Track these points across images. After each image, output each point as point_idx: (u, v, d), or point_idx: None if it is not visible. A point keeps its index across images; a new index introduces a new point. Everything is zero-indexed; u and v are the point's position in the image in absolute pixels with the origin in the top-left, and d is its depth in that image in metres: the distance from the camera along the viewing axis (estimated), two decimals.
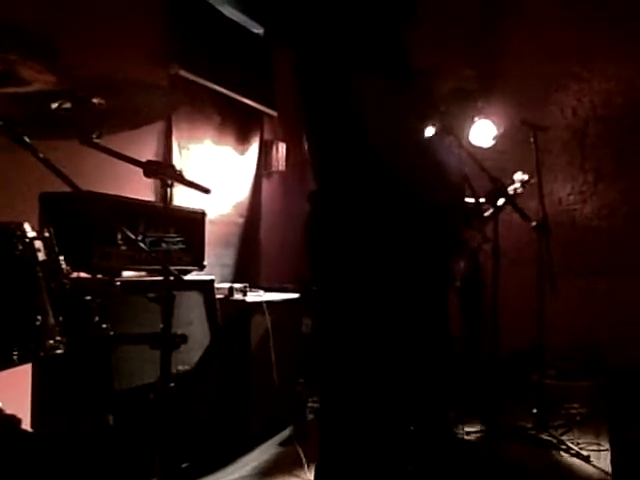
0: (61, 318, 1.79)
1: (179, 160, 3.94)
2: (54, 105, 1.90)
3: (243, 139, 4.78)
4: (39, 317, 1.73)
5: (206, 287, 3.10)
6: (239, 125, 4.71)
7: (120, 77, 1.93)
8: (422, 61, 1.85)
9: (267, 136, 5.03)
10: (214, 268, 3.82)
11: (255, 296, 3.46)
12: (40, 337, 1.73)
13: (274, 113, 4.99)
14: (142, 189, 3.19)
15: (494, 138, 3.95)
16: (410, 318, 1.76)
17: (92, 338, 2.06)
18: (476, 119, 3.87)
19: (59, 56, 1.86)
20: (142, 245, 2.43)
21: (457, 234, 3.49)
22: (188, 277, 2.99)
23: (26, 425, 2.18)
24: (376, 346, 1.69)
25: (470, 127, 3.85)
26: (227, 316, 3.18)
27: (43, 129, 2.06)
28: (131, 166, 2.04)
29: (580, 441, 3.37)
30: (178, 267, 2.77)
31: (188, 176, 2.15)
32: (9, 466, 1.79)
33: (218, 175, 4.41)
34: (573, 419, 3.76)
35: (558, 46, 5.02)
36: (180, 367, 2.70)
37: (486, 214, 3.39)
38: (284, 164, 5.05)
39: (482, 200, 3.41)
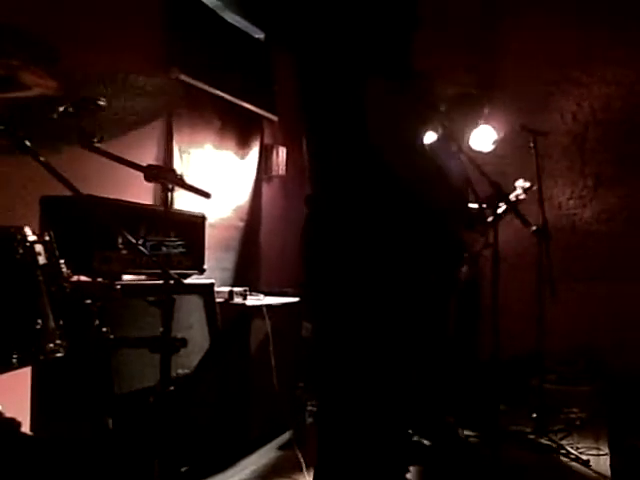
0: (61, 322, 1.79)
1: (180, 164, 3.94)
2: (60, 108, 1.91)
3: (243, 143, 4.79)
4: (39, 320, 1.73)
5: (206, 291, 3.10)
6: (239, 129, 4.72)
7: (120, 77, 1.93)
8: (422, 62, 1.85)
9: (267, 140, 5.04)
10: (214, 272, 3.82)
11: (255, 300, 3.47)
12: (40, 340, 1.73)
13: (274, 118, 5.01)
14: (143, 193, 3.20)
15: (494, 143, 3.96)
16: (410, 322, 1.76)
17: (92, 342, 2.06)
18: (480, 124, 3.88)
19: (60, 61, 1.86)
20: (142, 249, 2.43)
21: (458, 238, 3.51)
22: (188, 281, 2.99)
23: (26, 428, 2.19)
24: (375, 350, 1.69)
25: (473, 132, 3.87)
26: (227, 320, 3.18)
27: (44, 133, 2.07)
28: (132, 170, 2.05)
29: (580, 445, 3.37)
30: (178, 271, 2.77)
31: (189, 180, 2.16)
32: (9, 469, 1.79)
33: (218, 179, 4.42)
34: (573, 423, 3.76)
35: (558, 51, 5.03)
36: (180, 371, 2.70)
37: (489, 219, 3.40)
38: (284, 168, 5.06)
39: (483, 205, 3.43)
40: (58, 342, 1.76)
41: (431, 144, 3.58)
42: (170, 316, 2.02)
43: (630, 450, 3.34)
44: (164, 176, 2.06)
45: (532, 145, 3.74)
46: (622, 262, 4.84)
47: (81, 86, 1.93)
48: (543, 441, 3.44)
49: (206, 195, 2.14)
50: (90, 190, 2.35)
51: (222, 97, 4.34)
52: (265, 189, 5.05)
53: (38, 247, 1.79)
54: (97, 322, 2.04)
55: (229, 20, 4.37)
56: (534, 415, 3.57)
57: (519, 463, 3.15)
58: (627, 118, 4.97)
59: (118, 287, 2.23)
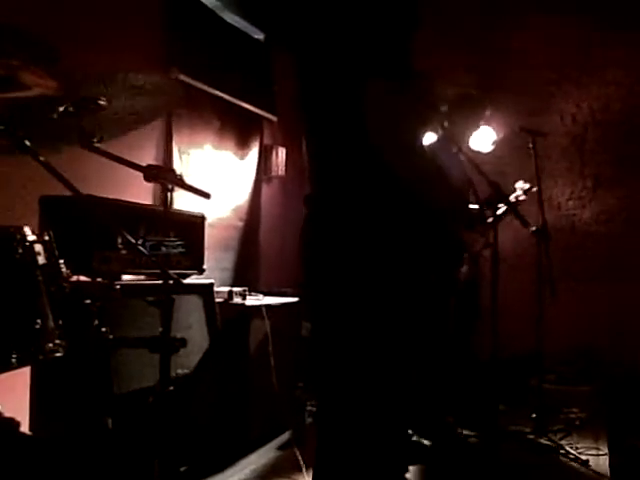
0: (61, 321, 1.79)
1: (179, 164, 3.95)
2: (60, 108, 1.91)
3: (243, 144, 4.79)
4: (39, 320, 1.73)
5: (205, 291, 3.10)
6: (239, 130, 4.72)
7: (119, 77, 1.94)
8: (422, 63, 1.85)
9: (267, 141, 5.05)
10: (214, 272, 3.82)
11: (254, 300, 3.47)
12: (39, 340, 1.73)
13: (274, 118, 5.01)
14: (142, 193, 3.20)
15: (493, 143, 3.96)
16: (409, 322, 1.77)
17: (91, 342, 2.06)
18: (482, 125, 3.89)
19: (60, 61, 1.86)
20: (142, 249, 2.43)
21: (458, 238, 3.51)
22: (188, 281, 2.99)
23: (25, 428, 2.19)
24: (374, 350, 1.69)
25: (475, 133, 3.87)
26: (226, 320, 3.18)
27: (44, 133, 2.07)
28: (132, 170, 2.05)
29: (579, 445, 3.37)
30: (178, 271, 2.77)
31: (188, 180, 2.16)
32: (8, 469, 1.79)
33: (218, 179, 4.42)
34: (572, 423, 3.76)
35: (557, 52, 5.03)
36: (179, 371, 2.71)
37: (489, 220, 3.41)
38: (284, 169, 5.07)
39: (484, 206, 3.44)
40: (57, 342, 1.76)
41: (431, 145, 3.59)
42: (169, 316, 2.03)
43: (629, 450, 3.34)
44: (163, 176, 2.07)
45: (531, 146, 3.74)
46: (621, 262, 4.85)
47: (81, 86, 1.93)
48: (543, 441, 3.44)
49: (205, 195, 2.14)
50: (90, 190, 2.35)
51: (221, 97, 4.34)
52: (264, 189, 5.05)
53: (37, 247, 1.79)
54: (96, 322, 2.04)
55: (228, 20, 4.38)
56: (533, 415, 3.57)
57: (518, 463, 3.15)
58: (626, 119, 4.98)
59: (117, 287, 2.23)
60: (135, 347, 2.34)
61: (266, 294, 3.69)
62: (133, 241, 2.24)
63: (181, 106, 3.91)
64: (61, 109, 1.93)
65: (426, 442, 3.35)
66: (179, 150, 3.98)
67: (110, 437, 2.18)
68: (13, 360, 1.67)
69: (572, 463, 3.19)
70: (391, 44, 1.74)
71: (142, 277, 2.76)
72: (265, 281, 4.68)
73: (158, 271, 2.12)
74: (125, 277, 2.66)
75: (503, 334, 3.12)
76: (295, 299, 3.74)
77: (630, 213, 5.00)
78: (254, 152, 4.92)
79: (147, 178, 2.03)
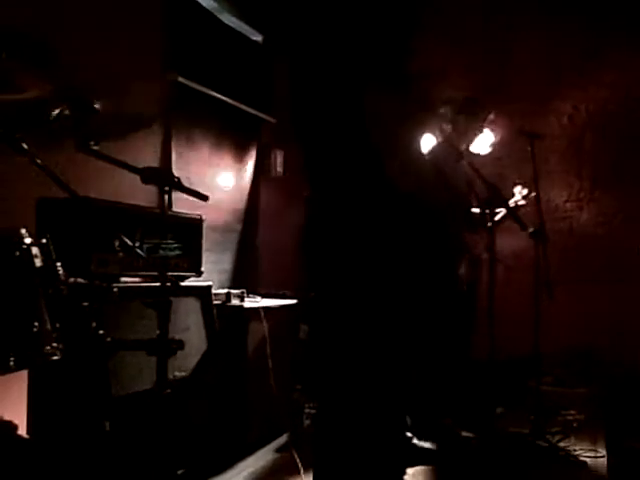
0: (58, 324, 1.79)
1: (177, 166, 3.94)
2: (55, 112, 1.91)
3: (241, 145, 4.80)
4: (36, 323, 1.73)
5: (203, 293, 3.10)
6: (237, 131, 4.73)
7: (116, 82, 1.94)
8: (421, 63, 1.86)
9: (265, 142, 5.05)
10: (211, 274, 3.82)
11: (252, 302, 3.46)
12: (37, 343, 1.73)
13: (272, 120, 5.01)
14: (143, 195, 3.19)
15: (491, 145, 3.97)
16: (408, 324, 1.77)
17: (89, 344, 2.06)
18: (485, 129, 3.91)
19: (57, 64, 1.86)
20: (139, 251, 2.43)
21: (458, 238, 3.53)
22: (186, 283, 2.99)
23: (22, 431, 2.18)
24: (373, 352, 1.69)
25: (477, 137, 3.89)
26: (224, 322, 3.18)
27: (41, 136, 2.07)
28: (130, 173, 2.05)
29: (577, 447, 3.37)
30: (175, 273, 2.77)
31: (186, 182, 2.16)
32: (5, 472, 1.79)
33: (216, 181, 4.42)
34: (570, 425, 3.76)
35: (555, 54, 5.03)
36: (177, 373, 2.71)
37: (490, 224, 3.43)
38: (282, 170, 5.07)
39: (481, 208, 3.45)
40: (55, 345, 1.76)
41: (433, 148, 3.61)
42: (167, 318, 2.03)
43: (627, 452, 3.34)
44: (161, 178, 2.07)
45: (529, 148, 3.74)
46: (619, 264, 4.85)
47: (78, 89, 1.93)
48: (540, 443, 3.44)
49: (203, 197, 2.14)
50: (88, 193, 2.35)
51: (220, 99, 4.34)
52: (263, 191, 5.05)
53: (34, 250, 1.79)
54: (94, 324, 2.04)
55: (226, 22, 4.37)
56: (531, 417, 3.57)
57: (516, 465, 3.15)
58: (624, 121, 4.98)
59: (115, 290, 2.23)
60: (133, 349, 2.34)
61: (264, 296, 3.68)
62: (131, 243, 2.24)
63: (179, 109, 3.92)
64: (58, 112, 1.92)
65: (426, 444, 3.34)
66: (177, 152, 3.98)
67: (108, 440, 2.18)
68: (11, 363, 1.67)
69: (570, 465, 3.18)
70: (389, 46, 1.74)
71: (140, 279, 2.75)
72: (263, 283, 4.67)
73: (156, 273, 2.12)
74: (123, 279, 2.66)
75: (501, 336, 3.12)
76: (293, 301, 3.74)
77: (627, 214, 5.00)
78: (252, 153, 4.92)
79: (144, 180, 2.03)
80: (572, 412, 3.97)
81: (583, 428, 3.72)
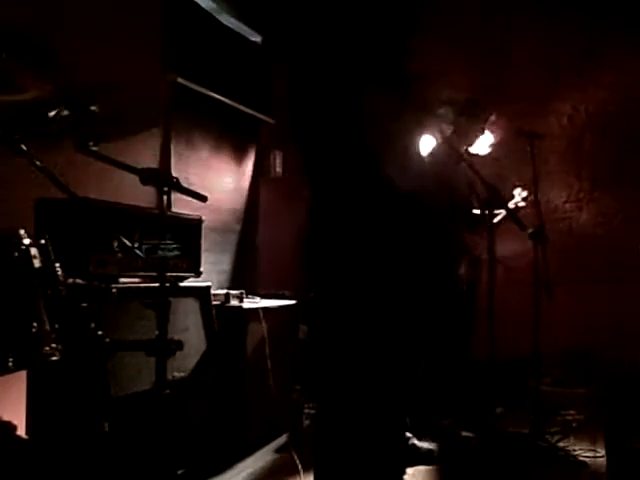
0: (57, 325, 1.79)
1: (177, 167, 3.94)
2: (54, 112, 1.91)
3: (240, 146, 4.80)
4: (35, 324, 1.73)
5: (202, 293, 3.10)
6: (236, 132, 4.73)
7: (115, 83, 1.94)
8: (420, 64, 1.86)
9: (264, 143, 5.05)
10: (211, 274, 3.82)
11: (251, 302, 3.46)
12: (36, 344, 1.73)
13: (271, 120, 5.01)
14: (143, 196, 3.19)
15: (491, 146, 3.97)
16: (408, 325, 1.77)
17: (88, 345, 2.06)
18: (487, 131, 3.91)
19: (57, 64, 1.87)
20: (138, 252, 2.44)
21: (458, 238, 3.53)
22: (185, 283, 2.99)
23: (21, 432, 2.18)
24: (373, 352, 1.69)
25: (480, 138, 3.90)
26: (223, 322, 3.18)
27: (40, 136, 2.07)
28: (130, 173, 2.05)
29: (576, 448, 3.37)
30: (174, 274, 2.78)
31: (185, 183, 2.16)
32: (4, 473, 1.79)
33: (215, 182, 4.42)
34: (569, 426, 3.76)
35: (555, 55, 5.04)
36: (176, 374, 2.71)
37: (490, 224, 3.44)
38: (281, 171, 5.07)
39: (481, 208, 3.46)
40: (54, 345, 1.76)
41: (433, 149, 3.62)
42: (166, 319, 2.03)
43: (627, 452, 3.34)
44: (160, 179, 2.07)
45: (528, 148, 3.75)
46: (618, 265, 4.85)
47: (77, 89, 1.93)
48: (540, 443, 3.43)
49: (202, 198, 2.14)
50: (88, 193, 2.35)
51: (219, 100, 4.34)
52: (262, 191, 5.05)
53: (33, 250, 1.79)
54: (93, 325, 2.03)
55: (225, 23, 4.37)
56: (531, 417, 3.57)
57: (516, 465, 3.15)
58: (623, 122, 4.98)
59: (114, 290, 2.23)
60: (132, 350, 2.34)
61: (263, 297, 3.68)
62: (129, 244, 2.24)
63: (178, 110, 3.92)
64: (57, 113, 1.92)
65: (426, 444, 3.34)
66: (177, 152, 3.98)
67: (107, 440, 2.18)
68: (10, 364, 1.67)
69: (569, 465, 3.18)
70: (387, 47, 1.74)
71: (139, 280, 2.75)
72: (262, 284, 4.67)
73: (155, 274, 2.12)
74: (122, 280, 2.66)
75: (501, 336, 3.11)
76: (292, 302, 3.74)
77: (627, 215, 5.00)
78: (251, 154, 4.92)
79: (143, 181, 2.03)
80: (572, 412, 3.98)
81: (582, 428, 3.72)
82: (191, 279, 3.04)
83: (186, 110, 4.08)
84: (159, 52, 3.80)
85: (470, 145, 3.83)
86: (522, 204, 3.80)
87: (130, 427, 2.41)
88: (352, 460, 1.70)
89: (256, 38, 4.61)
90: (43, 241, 1.85)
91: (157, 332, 2.02)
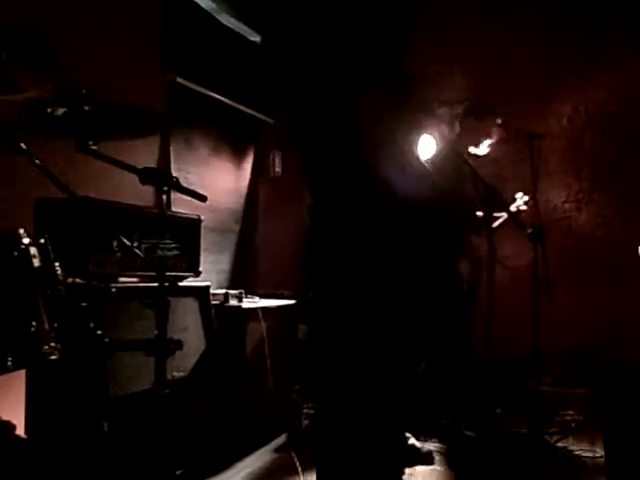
0: (56, 324, 1.79)
1: (176, 167, 3.95)
2: (54, 112, 1.91)
3: (240, 146, 4.80)
4: (34, 323, 1.73)
5: (202, 293, 3.10)
6: (236, 132, 4.73)
7: (115, 83, 1.94)
8: (419, 65, 1.86)
9: (264, 143, 5.06)
10: (210, 274, 3.82)
11: (251, 302, 3.46)
12: (35, 343, 1.73)
13: (271, 120, 5.01)
14: (142, 195, 3.20)
15: (490, 146, 3.97)
16: (409, 324, 1.77)
17: (87, 344, 2.06)
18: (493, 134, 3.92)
19: (57, 64, 1.87)
20: (138, 252, 2.44)
21: (459, 237, 3.54)
22: (184, 283, 2.99)
23: (20, 431, 2.18)
24: (372, 352, 1.69)
25: (485, 141, 3.91)
26: (223, 322, 3.18)
27: (40, 135, 2.07)
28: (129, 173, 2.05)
29: (575, 448, 3.37)
30: (174, 273, 2.78)
31: (185, 183, 2.16)
32: (3, 472, 1.79)
33: (215, 181, 4.42)
34: (569, 426, 3.76)
35: (555, 55, 5.04)
36: (175, 373, 2.71)
37: (494, 225, 3.46)
38: (281, 171, 5.07)
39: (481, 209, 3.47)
40: (53, 345, 1.76)
41: (437, 150, 3.62)
42: (165, 318, 2.03)
43: (626, 452, 3.34)
44: (159, 179, 2.07)
45: (528, 149, 3.75)
46: (618, 265, 4.85)
47: (78, 89, 1.93)
48: (539, 443, 3.44)
49: (201, 198, 2.14)
50: (87, 193, 2.35)
51: (218, 100, 4.34)
52: (261, 191, 5.06)
53: (33, 250, 1.79)
54: (92, 325, 2.04)
55: (225, 23, 4.38)
56: (531, 417, 3.57)
57: (515, 465, 3.15)
58: (623, 122, 4.98)
59: (113, 290, 2.23)
60: (131, 350, 2.34)
61: (262, 296, 3.68)
62: (129, 244, 2.24)
63: (178, 109, 3.92)
64: (56, 112, 1.93)
65: (424, 445, 3.35)
66: (176, 152, 3.98)
67: (106, 440, 2.18)
68: (9, 363, 1.67)
69: (568, 465, 3.19)
70: (385, 47, 1.74)
71: (138, 280, 2.75)
72: (262, 283, 4.67)
73: (154, 273, 2.12)
74: (121, 280, 2.66)
75: (500, 336, 3.12)
76: (291, 301, 3.74)
77: (627, 215, 5.00)
78: (251, 154, 4.93)
79: (143, 181, 2.03)
80: (571, 412, 3.98)
81: (582, 428, 3.72)
82: (190, 279, 3.04)
83: (186, 110, 4.08)
84: (159, 52, 3.80)
85: (476, 146, 3.84)
86: (524, 208, 3.82)
87: (129, 427, 2.41)
88: (351, 460, 1.70)
89: (256, 38, 4.64)
90: (42, 240, 1.85)
91: (156, 332, 2.02)
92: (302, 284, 1.90)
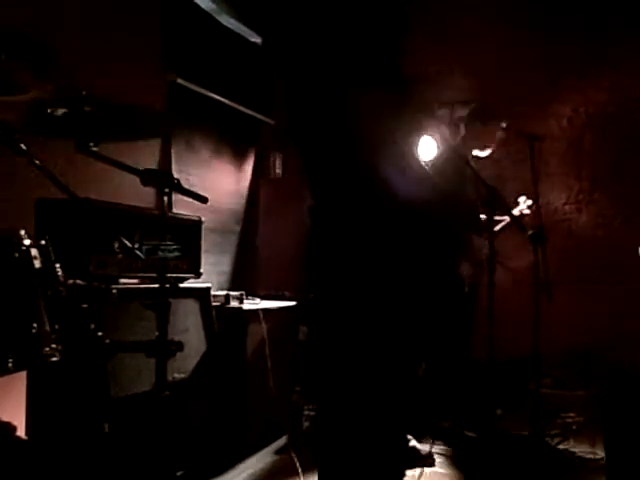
0: (57, 326, 1.79)
1: (177, 168, 3.94)
2: (54, 112, 1.91)
3: (240, 147, 4.80)
4: (35, 325, 1.72)
5: (202, 295, 3.09)
6: (237, 133, 4.73)
7: (115, 84, 1.94)
8: (419, 66, 1.85)
9: (264, 144, 5.06)
10: (211, 276, 3.82)
11: (251, 304, 3.46)
12: (36, 345, 1.73)
13: (271, 121, 5.01)
14: (143, 197, 3.19)
15: (492, 148, 3.97)
16: (409, 326, 1.76)
17: (88, 346, 2.05)
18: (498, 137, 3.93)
19: (57, 64, 1.87)
20: (138, 253, 2.43)
21: (460, 238, 3.54)
22: (184, 284, 2.99)
23: (21, 432, 2.18)
24: (373, 353, 1.69)
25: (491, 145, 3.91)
26: (223, 324, 3.18)
27: (41, 136, 2.06)
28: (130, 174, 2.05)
29: (576, 450, 3.37)
30: (175, 275, 2.77)
31: (186, 184, 2.16)
32: (4, 473, 1.79)
33: (216, 183, 4.42)
34: (569, 428, 3.76)
35: (554, 56, 5.04)
36: (176, 375, 2.71)
37: (497, 228, 3.46)
38: (281, 172, 5.07)
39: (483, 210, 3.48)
40: (54, 346, 1.76)
41: (440, 152, 3.63)
42: (166, 320, 2.02)
43: (626, 454, 3.33)
44: (160, 180, 2.06)
45: (529, 150, 3.75)
46: (618, 265, 4.84)
47: (78, 89, 1.93)
48: (540, 445, 3.43)
49: (202, 199, 2.14)
50: (89, 194, 2.35)
51: (219, 101, 4.34)
52: (262, 192, 5.05)
53: (34, 251, 1.79)
54: (93, 326, 2.03)
55: (225, 24, 4.38)
56: (531, 419, 3.56)
57: (516, 466, 3.14)
58: (623, 123, 4.98)
59: (114, 291, 2.23)
60: (132, 351, 2.34)
61: (263, 298, 3.68)
62: (130, 245, 2.24)
63: (178, 110, 3.92)
64: (57, 112, 1.92)
65: (426, 446, 3.34)
66: (176, 154, 3.98)
67: (107, 441, 2.17)
68: (9, 364, 1.66)
69: (569, 467, 3.18)
70: (381, 49, 1.74)
71: (138, 281, 2.75)
72: (262, 284, 4.67)
73: (155, 275, 2.12)
74: (122, 281, 2.66)
75: (501, 336, 3.11)
76: (292, 303, 3.74)
77: (627, 216, 5.00)
78: (251, 155, 4.93)
79: (144, 182, 2.03)
80: (571, 415, 3.98)
81: (582, 430, 3.72)
82: (191, 280, 3.03)
83: (186, 111, 4.08)
84: (159, 53, 3.80)
85: (481, 150, 3.84)
86: (527, 212, 3.85)
87: (130, 428, 2.41)
88: (352, 462, 1.70)
89: (256, 39, 4.63)
90: (43, 242, 1.84)
91: (157, 333, 2.01)
92: (303, 285, 1.89)
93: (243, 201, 4.82)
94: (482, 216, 3.64)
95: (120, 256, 2.46)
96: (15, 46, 1.80)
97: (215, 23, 4.30)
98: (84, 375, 2.21)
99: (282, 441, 3.43)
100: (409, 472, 3.01)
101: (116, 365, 2.42)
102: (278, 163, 5.06)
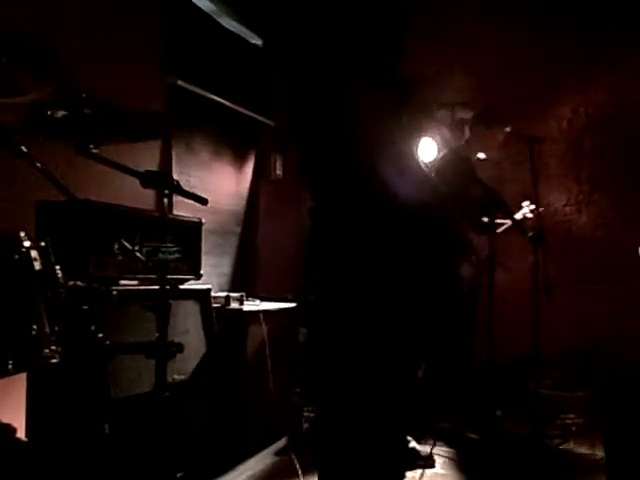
0: (57, 327, 1.79)
1: (177, 170, 3.95)
2: (55, 114, 1.91)
3: (240, 148, 4.81)
4: (35, 326, 1.72)
5: (203, 296, 3.09)
6: (237, 134, 4.74)
7: (115, 85, 1.94)
8: (420, 69, 1.85)
9: (264, 145, 5.06)
10: (211, 277, 3.82)
11: (252, 305, 3.46)
12: (36, 346, 1.73)
13: (272, 123, 5.02)
14: (143, 198, 3.20)
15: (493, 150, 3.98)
16: (409, 327, 1.77)
17: (88, 347, 2.06)
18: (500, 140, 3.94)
19: (57, 66, 1.87)
20: (139, 255, 2.43)
21: (460, 238, 3.54)
22: (185, 286, 2.99)
23: (21, 434, 2.18)
24: (373, 355, 1.69)
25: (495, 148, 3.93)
26: (224, 325, 3.18)
27: (41, 138, 2.07)
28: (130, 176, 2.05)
29: (576, 451, 3.37)
30: (175, 276, 2.77)
31: (186, 186, 2.16)
32: (4, 475, 1.79)
33: (216, 184, 4.42)
34: (569, 429, 3.76)
35: (554, 57, 5.04)
36: (176, 376, 2.71)
37: (498, 231, 3.48)
38: (281, 173, 5.08)
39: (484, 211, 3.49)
40: (54, 348, 1.76)
41: (444, 154, 3.64)
42: (166, 321, 2.02)
43: (626, 455, 3.33)
44: (161, 182, 2.07)
45: (528, 152, 3.76)
46: (618, 266, 4.85)
47: (78, 91, 1.93)
48: (540, 446, 3.44)
49: (203, 201, 2.14)
50: (88, 196, 2.35)
51: (219, 102, 4.34)
52: (262, 194, 5.06)
53: (34, 253, 1.79)
54: (93, 328, 2.03)
55: (226, 26, 4.38)
56: (531, 420, 3.57)
57: (516, 468, 3.15)
58: (623, 124, 4.98)
59: (114, 293, 2.23)
60: (132, 353, 2.34)
61: (263, 299, 3.68)
62: (130, 247, 2.24)
63: (179, 112, 3.92)
64: (57, 114, 1.92)
65: (426, 448, 3.35)
66: (177, 155, 3.98)
67: (107, 443, 2.17)
68: (9, 366, 1.66)
69: (569, 468, 3.18)
70: (380, 49, 1.74)
71: (139, 283, 2.75)
72: (262, 286, 4.67)
73: (155, 276, 2.12)
74: (122, 283, 2.66)
75: (501, 337, 3.12)
76: (292, 304, 3.74)
77: (626, 217, 5.00)
78: (252, 156, 4.93)
79: (144, 184, 2.03)
80: (571, 416, 3.98)
81: (582, 432, 3.72)
82: (191, 282, 3.03)
83: (186, 112, 4.08)
84: (159, 54, 3.80)
85: (485, 152, 3.85)
86: (530, 216, 3.86)
87: (130, 429, 2.41)
88: (352, 463, 1.70)
89: (257, 41, 4.63)
90: (43, 243, 1.84)
91: (157, 335, 2.02)
92: (303, 287, 1.89)
93: (243, 202, 4.82)
94: (484, 219, 3.65)
95: (120, 258, 2.46)
96: (15, 49, 1.80)
97: (215, 25, 4.30)
98: (84, 376, 2.22)
99: (282, 442, 3.43)
100: (409, 473, 3.02)
101: (116, 366, 2.42)
102: (278, 164, 5.06)
